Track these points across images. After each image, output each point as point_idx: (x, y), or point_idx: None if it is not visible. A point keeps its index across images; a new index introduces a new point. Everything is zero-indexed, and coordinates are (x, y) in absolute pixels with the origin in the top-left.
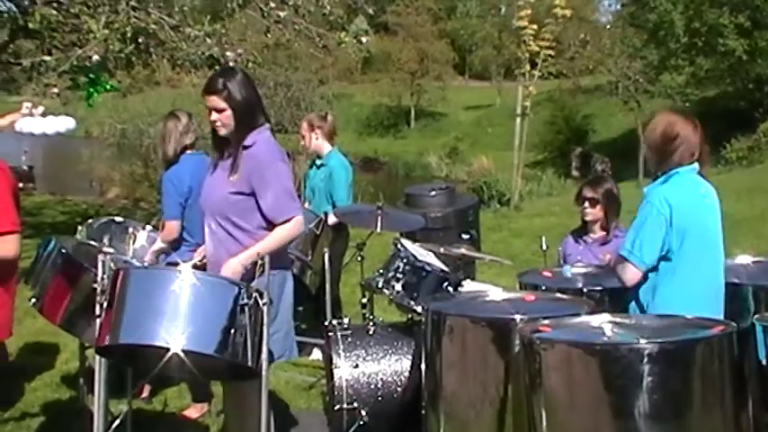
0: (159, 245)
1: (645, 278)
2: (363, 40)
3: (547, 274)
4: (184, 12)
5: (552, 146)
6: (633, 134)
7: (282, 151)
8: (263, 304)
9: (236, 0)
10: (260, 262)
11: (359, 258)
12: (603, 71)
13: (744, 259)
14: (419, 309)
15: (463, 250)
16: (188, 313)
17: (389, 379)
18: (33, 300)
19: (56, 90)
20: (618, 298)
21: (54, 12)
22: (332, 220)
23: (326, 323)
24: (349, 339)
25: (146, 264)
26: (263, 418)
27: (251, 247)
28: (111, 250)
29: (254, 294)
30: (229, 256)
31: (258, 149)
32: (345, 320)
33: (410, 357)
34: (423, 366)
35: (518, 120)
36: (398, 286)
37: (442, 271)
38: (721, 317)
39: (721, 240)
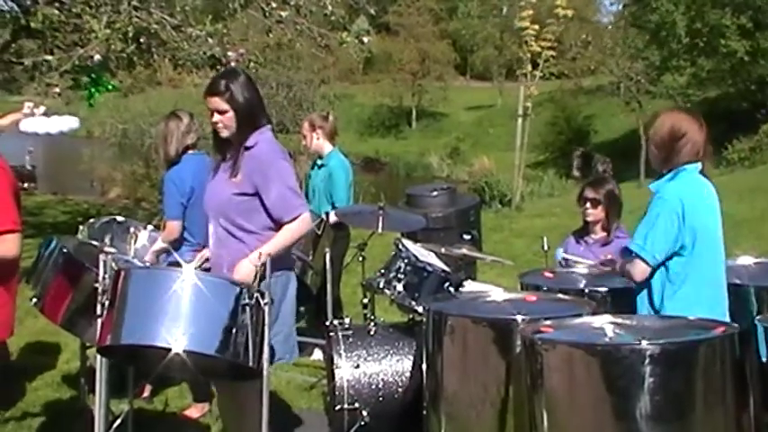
0: (160, 244)
1: (651, 276)
2: (365, 40)
3: (548, 274)
4: (186, 12)
5: (553, 146)
6: (634, 135)
7: (284, 150)
8: (265, 304)
9: (238, 0)
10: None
11: (360, 258)
12: (605, 72)
13: (745, 260)
14: (420, 309)
15: (464, 251)
16: (189, 313)
17: (390, 379)
18: (34, 299)
19: (57, 90)
20: (620, 298)
21: (56, 11)
22: (333, 218)
23: (327, 323)
24: (350, 339)
25: (146, 263)
26: (264, 419)
27: (259, 248)
28: (113, 250)
29: (256, 294)
30: (233, 258)
31: (260, 150)
32: (346, 321)
33: (411, 358)
34: (424, 367)
35: (519, 120)
36: (400, 286)
37: (444, 271)
38: (728, 317)
39: (722, 241)
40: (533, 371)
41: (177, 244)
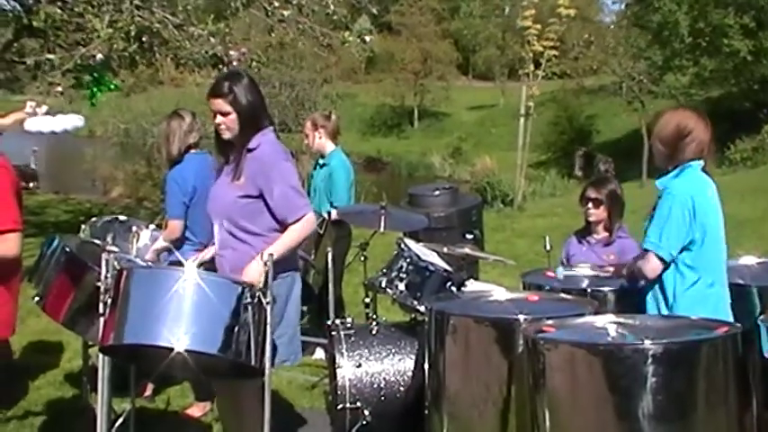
0: (161, 243)
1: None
2: (367, 39)
3: (550, 274)
4: (188, 11)
5: (556, 146)
6: (637, 134)
7: (287, 151)
8: (267, 303)
9: None
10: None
11: (362, 258)
12: (607, 71)
13: (748, 260)
14: (422, 308)
15: (467, 250)
16: (191, 313)
17: (392, 379)
18: (37, 298)
19: (60, 89)
20: (623, 298)
21: (58, 10)
22: (334, 215)
23: (329, 322)
24: (352, 339)
25: (148, 262)
26: (266, 418)
27: (265, 250)
28: (115, 249)
29: (258, 293)
30: (239, 259)
31: (262, 151)
32: (348, 320)
33: (413, 357)
34: (426, 366)
35: (521, 120)
36: (402, 286)
37: (446, 271)
38: (731, 315)
39: (724, 240)
40: (535, 370)
41: (179, 243)
